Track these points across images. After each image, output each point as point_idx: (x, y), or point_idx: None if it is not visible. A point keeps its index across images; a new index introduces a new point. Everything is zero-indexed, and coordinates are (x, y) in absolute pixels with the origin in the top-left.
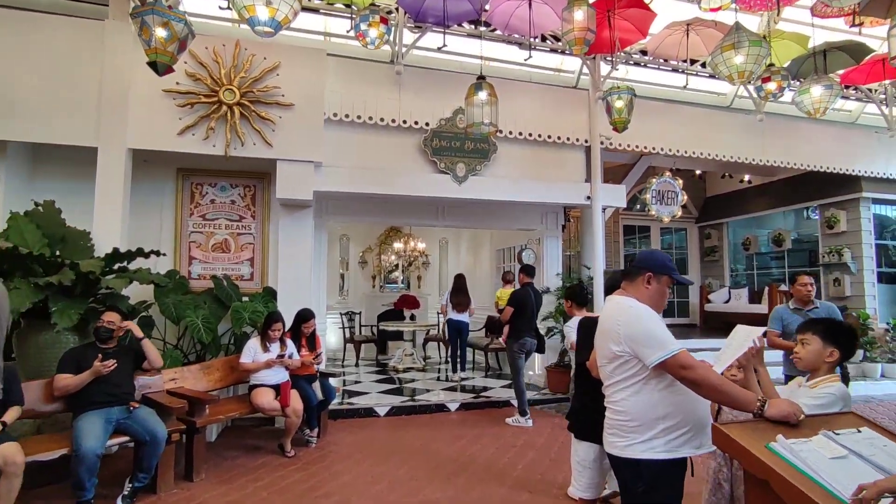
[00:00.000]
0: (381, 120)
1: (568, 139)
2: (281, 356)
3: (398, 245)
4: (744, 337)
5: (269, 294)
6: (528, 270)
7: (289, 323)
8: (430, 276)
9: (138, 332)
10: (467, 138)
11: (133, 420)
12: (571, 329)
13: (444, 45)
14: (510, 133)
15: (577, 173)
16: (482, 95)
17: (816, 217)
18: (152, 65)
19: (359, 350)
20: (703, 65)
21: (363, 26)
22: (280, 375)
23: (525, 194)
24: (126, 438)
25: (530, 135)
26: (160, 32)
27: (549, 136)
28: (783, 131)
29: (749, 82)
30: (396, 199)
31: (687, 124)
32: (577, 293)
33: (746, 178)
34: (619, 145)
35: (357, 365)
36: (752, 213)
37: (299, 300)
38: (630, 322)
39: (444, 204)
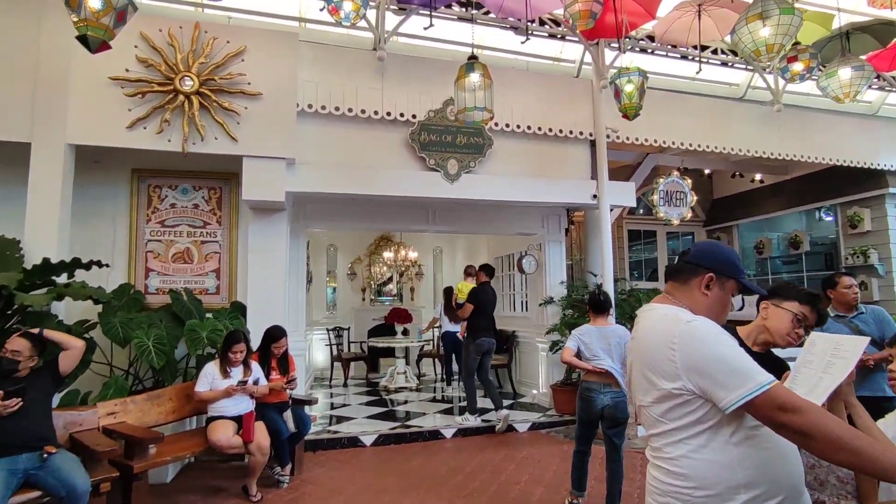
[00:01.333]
0: (363, 112)
1: (571, 132)
2: (243, 383)
3: (388, 254)
4: (835, 349)
5: (238, 310)
6: (486, 269)
7: (257, 342)
8: (423, 287)
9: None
10: (459, 131)
11: (46, 470)
12: (572, 336)
13: (431, 25)
14: (507, 126)
15: (582, 170)
16: (474, 78)
17: (829, 218)
18: (82, 39)
19: (347, 369)
20: (715, 51)
21: None
22: (242, 405)
23: (524, 194)
24: (37, 494)
25: (529, 128)
26: (92, 1)
27: (550, 130)
28: (800, 123)
29: (778, 58)
30: (382, 200)
31: (698, 116)
32: (594, 298)
33: (758, 177)
34: (627, 139)
35: (345, 385)
36: (765, 215)
37: (272, 316)
38: (691, 344)
39: (435, 206)
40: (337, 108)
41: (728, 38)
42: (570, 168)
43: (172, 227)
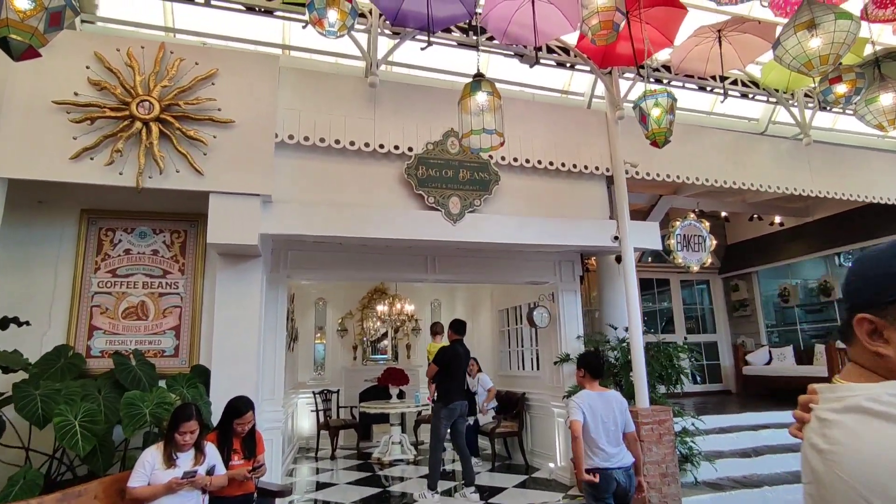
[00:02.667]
0: (352, 144)
1: (586, 168)
2: (191, 473)
3: (382, 308)
4: None
5: (199, 375)
6: (456, 326)
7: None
8: (420, 344)
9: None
10: (462, 166)
11: None
12: (576, 405)
13: (429, 44)
14: (514, 160)
15: (599, 209)
16: (481, 98)
17: (848, 264)
18: (2, 43)
19: (336, 438)
20: (735, 82)
21: (318, 2)
22: (191, 503)
23: (536, 236)
24: None
25: (539, 163)
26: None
27: (563, 165)
28: (829, 159)
29: (835, 69)
30: (374, 246)
31: (721, 150)
32: (591, 361)
33: (777, 220)
34: (647, 175)
35: (333, 458)
36: (786, 261)
37: (241, 383)
38: None
39: (434, 252)
40: (322, 140)
41: (748, 68)
42: (585, 207)
43: (125, 278)
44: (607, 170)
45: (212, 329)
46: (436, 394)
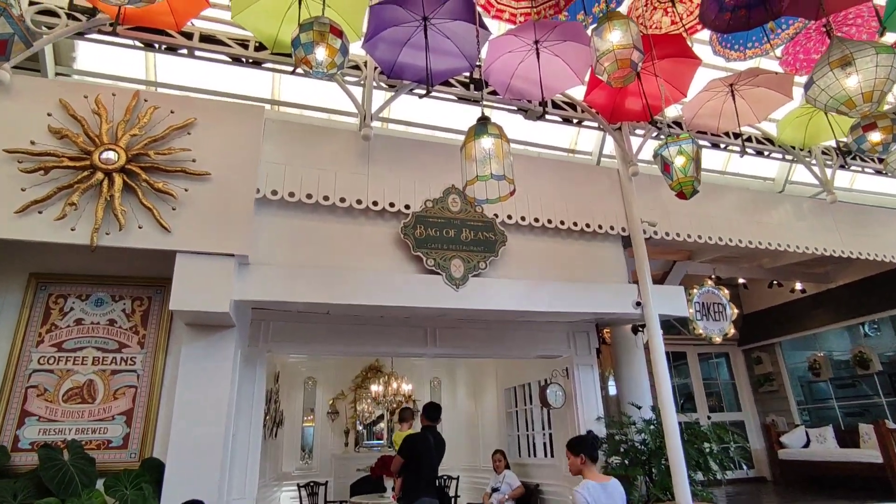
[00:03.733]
0: (342, 201)
1: (600, 227)
2: None
3: (376, 388)
4: None
5: (150, 471)
6: (429, 411)
7: None
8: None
9: None
10: (465, 225)
11: None
12: (582, 498)
13: (428, 93)
14: (522, 220)
15: (616, 272)
16: (486, 144)
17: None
18: None
19: None
20: (749, 139)
21: (304, 38)
22: None
23: (548, 302)
24: None
25: (549, 222)
26: None
27: (575, 224)
28: (854, 218)
29: (877, 107)
30: (367, 315)
31: (740, 209)
32: (590, 444)
33: (798, 286)
34: (667, 234)
35: None
36: (811, 330)
37: (202, 479)
38: None
39: (433, 322)
40: (309, 196)
41: (762, 125)
42: (601, 270)
43: (73, 352)
44: (623, 229)
45: (171, 414)
46: (401, 491)
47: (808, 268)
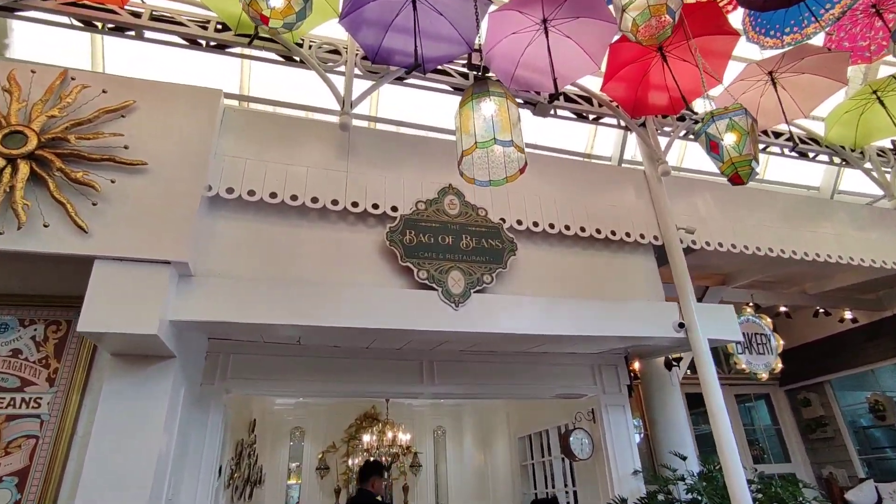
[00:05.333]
0: (314, 201)
1: (628, 235)
2: None
3: (368, 438)
4: None
5: None
6: (366, 472)
7: None
8: (421, 484)
9: None
10: (465, 230)
11: None
12: None
13: (418, 64)
14: (534, 225)
15: (648, 289)
16: (488, 110)
17: None
18: None
19: None
20: (790, 138)
21: None
22: None
23: (570, 325)
24: None
25: (567, 228)
26: None
27: (598, 231)
28: None
29: None
30: (346, 343)
31: (786, 217)
32: None
33: (847, 314)
34: (707, 244)
35: None
36: (867, 366)
37: None
38: None
39: (430, 355)
40: (273, 195)
41: (802, 123)
42: (632, 287)
43: None
44: (655, 238)
45: (80, 471)
46: None
47: (858, 293)
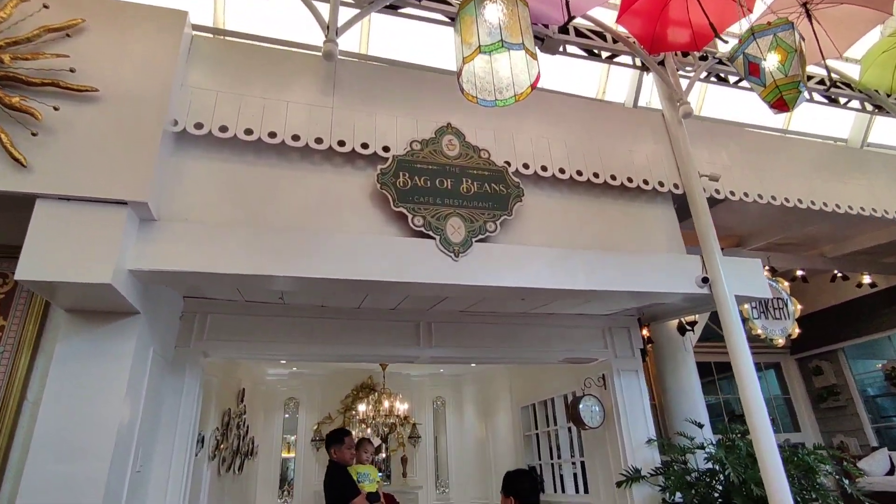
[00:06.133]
0: (295, 139)
1: (646, 183)
2: None
3: (364, 408)
4: None
5: None
6: (326, 444)
7: None
8: (420, 456)
9: None
10: (466, 173)
11: None
12: None
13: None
14: (543, 169)
15: (668, 241)
16: (492, 13)
17: None
18: None
19: None
20: (822, 82)
21: None
22: None
23: (582, 278)
24: None
25: (579, 174)
26: None
27: (613, 178)
28: None
29: None
30: (333, 301)
31: (816, 166)
32: (525, 485)
33: (866, 279)
34: (732, 193)
35: None
36: (884, 332)
37: None
38: None
39: (427, 316)
40: (249, 132)
41: (833, 63)
42: (649, 238)
43: None
44: (675, 186)
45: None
46: None
47: (879, 256)
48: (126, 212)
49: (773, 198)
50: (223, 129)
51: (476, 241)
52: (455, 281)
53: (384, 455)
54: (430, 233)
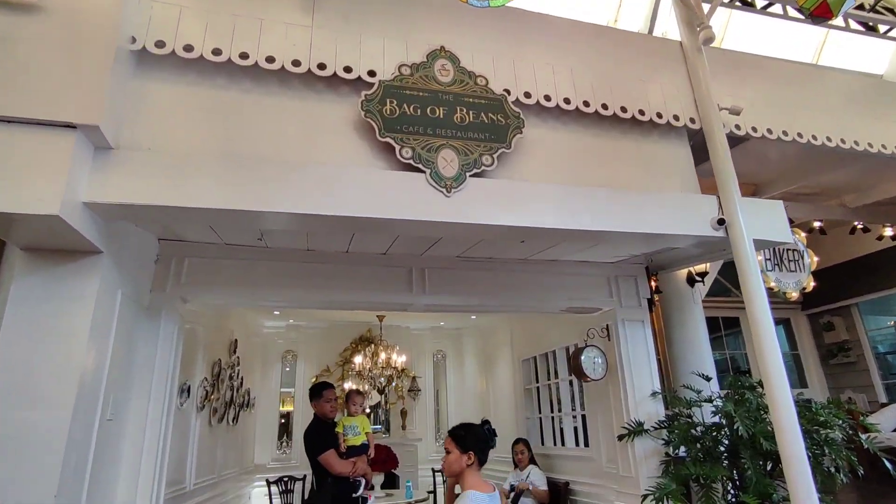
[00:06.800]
0: (270, 61)
1: (659, 116)
2: None
3: (360, 359)
4: None
5: None
6: (309, 398)
7: None
8: (420, 408)
9: None
10: (460, 101)
11: None
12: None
13: None
14: (546, 99)
15: (681, 180)
16: None
17: None
18: None
19: None
20: (866, 4)
21: None
22: None
23: (587, 218)
24: None
25: (586, 105)
26: None
27: (624, 110)
28: None
29: None
30: (318, 243)
31: (848, 99)
32: (481, 439)
33: (888, 231)
34: (754, 129)
35: None
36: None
37: (28, 494)
38: None
39: (421, 261)
40: (217, 52)
41: None
42: (662, 177)
43: None
44: (692, 120)
45: None
46: None
47: None
48: (76, 137)
49: (800, 135)
50: (188, 48)
51: (470, 176)
52: (447, 219)
53: (384, 407)
54: (420, 166)
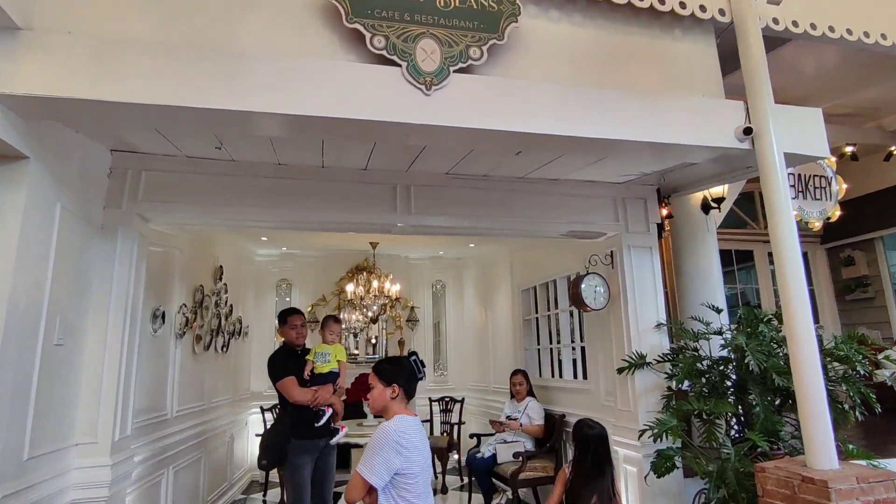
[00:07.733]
0: None
1: (682, 6)
2: None
3: (352, 288)
4: None
5: None
6: (277, 318)
7: None
8: (419, 339)
9: None
10: None
11: None
12: (392, 451)
13: None
14: None
15: (704, 82)
16: None
17: None
18: None
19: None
20: None
21: None
22: None
23: (593, 124)
24: None
25: None
26: None
27: None
28: None
29: None
30: (290, 157)
31: None
32: (407, 372)
33: None
34: (794, 24)
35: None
36: None
37: None
38: None
39: (406, 178)
40: None
41: None
42: (679, 77)
43: None
44: (721, 11)
45: None
46: None
47: None
48: None
49: (849, 31)
50: None
51: (455, 72)
52: (426, 121)
53: (374, 337)
54: (395, 58)
